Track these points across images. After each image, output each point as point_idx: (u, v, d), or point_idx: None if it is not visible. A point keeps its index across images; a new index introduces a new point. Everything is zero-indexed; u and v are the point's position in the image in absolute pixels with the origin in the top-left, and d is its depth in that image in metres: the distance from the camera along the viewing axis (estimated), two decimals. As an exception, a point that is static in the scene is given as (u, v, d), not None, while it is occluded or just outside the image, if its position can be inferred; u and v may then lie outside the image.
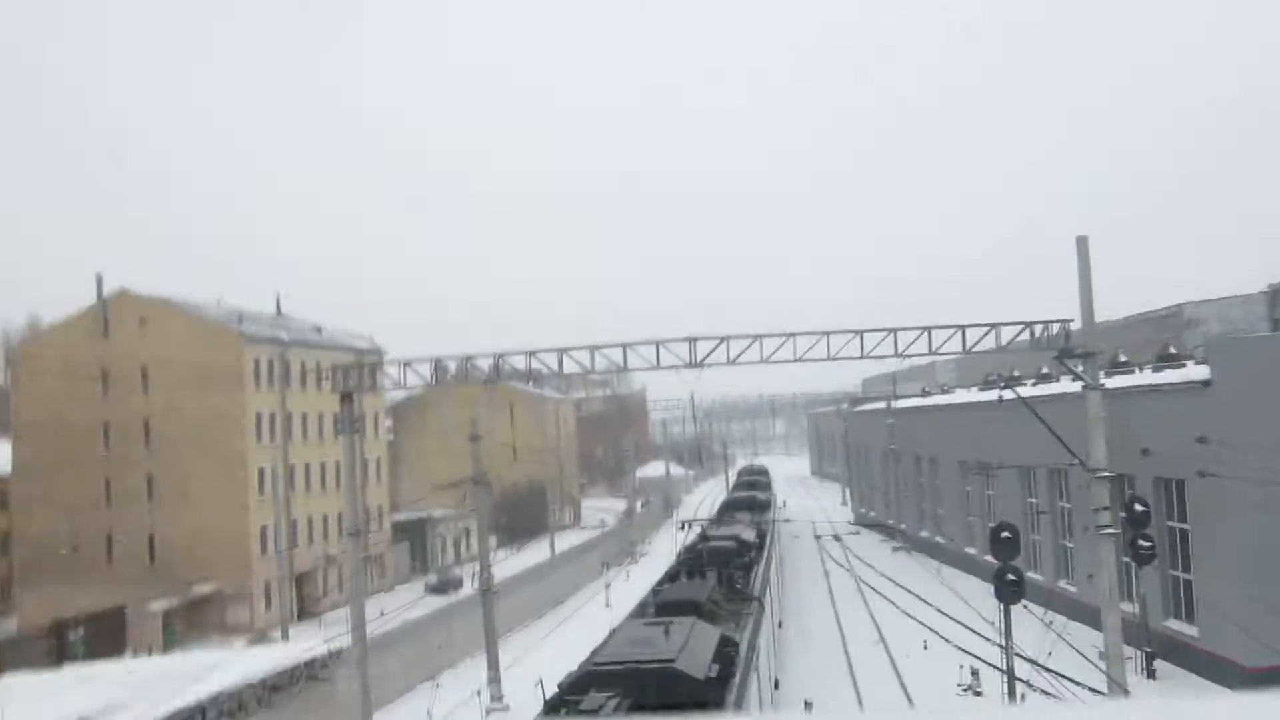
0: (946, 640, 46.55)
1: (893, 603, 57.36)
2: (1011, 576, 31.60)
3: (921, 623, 50.89)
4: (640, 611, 23.99)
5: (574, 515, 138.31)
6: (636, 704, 14.81)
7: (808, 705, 33.47)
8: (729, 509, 56.15)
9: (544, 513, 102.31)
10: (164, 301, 74.64)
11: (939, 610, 53.59)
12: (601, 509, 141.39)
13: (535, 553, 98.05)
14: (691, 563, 31.93)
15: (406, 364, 31.41)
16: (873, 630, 50.12)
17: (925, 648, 45.20)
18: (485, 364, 31.29)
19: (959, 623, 49.92)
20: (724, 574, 29.81)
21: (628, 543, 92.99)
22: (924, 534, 77.57)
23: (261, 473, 73.13)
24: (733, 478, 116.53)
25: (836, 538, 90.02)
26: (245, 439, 72.92)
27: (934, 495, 76.10)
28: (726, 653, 19.53)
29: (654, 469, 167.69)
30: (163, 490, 72.86)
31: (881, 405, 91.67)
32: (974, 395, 72.60)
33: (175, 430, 72.74)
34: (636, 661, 16.83)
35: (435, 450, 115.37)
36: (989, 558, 51.99)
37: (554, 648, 45.56)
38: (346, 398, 31.31)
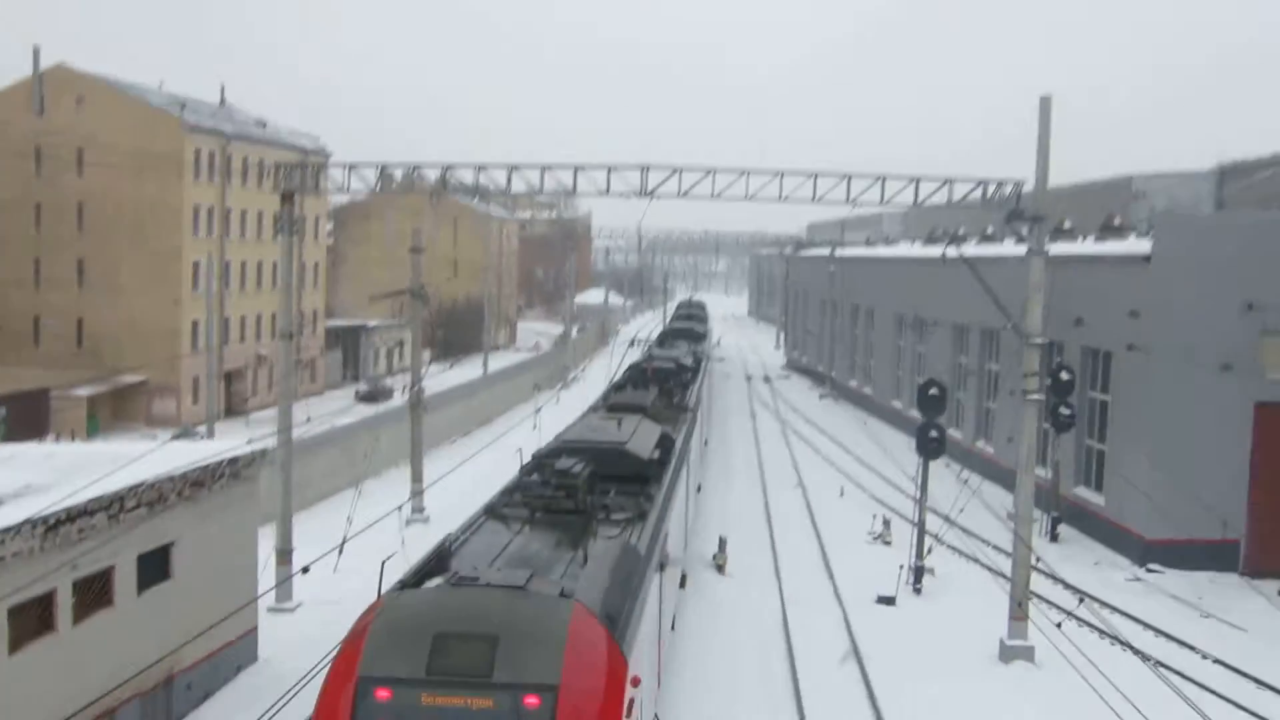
0: (863, 489, 47.66)
1: (815, 449, 58.46)
2: (934, 432, 32.22)
3: (841, 470, 51.98)
4: (595, 410, 29.78)
5: (509, 336, 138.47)
6: (595, 472, 18.85)
7: (721, 542, 34.30)
8: (668, 337, 62.98)
9: (479, 331, 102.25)
10: (103, 80, 71.92)
11: (859, 460, 54.73)
12: (537, 332, 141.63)
13: (468, 370, 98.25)
14: (637, 377, 37.73)
15: (351, 167, 30.58)
16: (792, 472, 51.14)
17: (842, 494, 46.27)
18: (432, 175, 30.51)
19: (877, 473, 51.06)
20: (664, 388, 35.72)
21: (561, 367, 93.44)
22: (853, 384, 78.71)
23: (196, 267, 71.97)
24: (671, 311, 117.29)
25: (767, 379, 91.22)
26: (182, 231, 71.47)
27: (867, 346, 76.92)
28: (665, 445, 24.82)
29: (593, 296, 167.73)
30: (94, 276, 71.53)
31: (825, 251, 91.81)
32: (918, 249, 72.78)
33: (111, 215, 71.00)
34: (597, 442, 21.48)
35: (375, 259, 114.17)
36: (915, 412, 52.91)
37: (478, 469, 46.10)
38: (287, 197, 30.58)
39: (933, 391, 32.90)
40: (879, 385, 71.23)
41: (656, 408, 30.01)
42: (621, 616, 13.01)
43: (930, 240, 71.21)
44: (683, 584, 26.96)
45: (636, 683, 12.20)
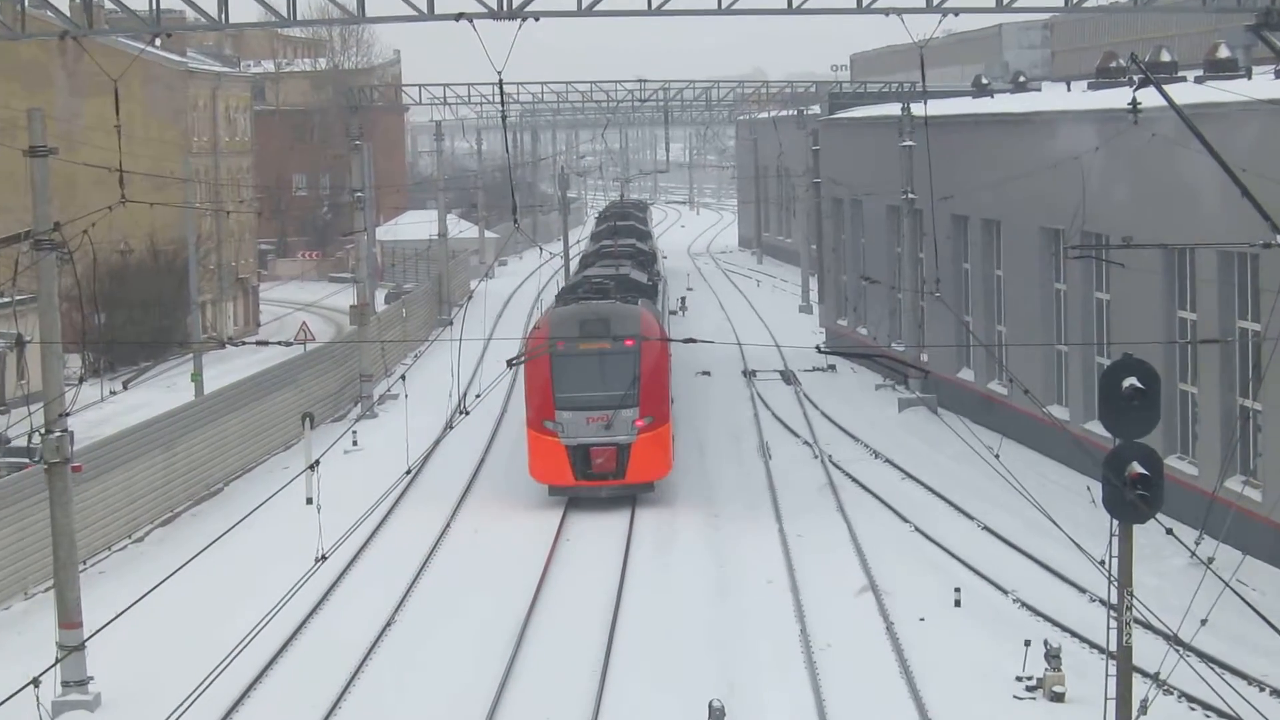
0: (1000, 589, 48.03)
1: (896, 512, 58.84)
2: (1139, 468, 32.41)
3: (954, 554, 52.32)
4: (583, 266, 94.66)
5: (248, 315, 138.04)
6: (613, 289, 73.10)
7: (714, 715, 34.49)
8: (596, 257, 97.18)
9: (181, 310, 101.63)
10: None
11: (989, 530, 55.10)
12: (304, 303, 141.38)
13: (164, 390, 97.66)
14: (603, 258, 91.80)
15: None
16: (858, 566, 51.40)
17: (958, 603, 46.55)
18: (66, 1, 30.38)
19: (1027, 555, 51.42)
20: (635, 262, 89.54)
21: (356, 375, 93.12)
22: (965, 375, 79.12)
23: None
24: (585, 237, 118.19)
25: (789, 377, 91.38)
26: None
27: (990, 297, 77.24)
28: (652, 277, 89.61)
29: (415, 225, 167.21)
30: None
31: (892, 109, 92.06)
32: (1079, 96, 73.14)
33: None
34: (607, 275, 79.33)
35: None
36: (1096, 428, 53.23)
37: (197, 589, 45.89)
38: None
39: (1131, 384, 33.08)
40: (1020, 376, 71.65)
41: (635, 262, 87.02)
42: (659, 320, 74.51)
43: (1102, 76, 71.62)
44: None
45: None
